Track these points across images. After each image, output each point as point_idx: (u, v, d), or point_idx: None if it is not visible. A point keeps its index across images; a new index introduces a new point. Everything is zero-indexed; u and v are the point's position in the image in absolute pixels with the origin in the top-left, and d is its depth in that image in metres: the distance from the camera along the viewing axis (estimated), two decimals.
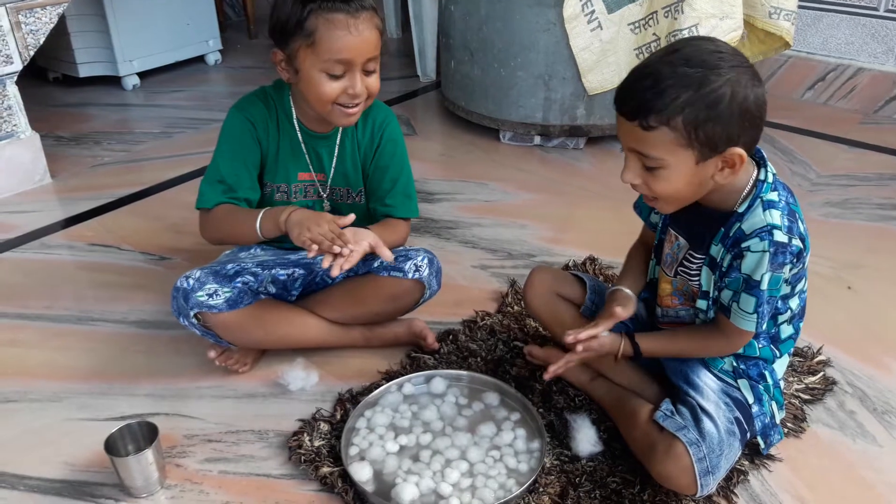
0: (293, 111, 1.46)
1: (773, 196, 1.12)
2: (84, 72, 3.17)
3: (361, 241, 1.35)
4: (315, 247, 1.29)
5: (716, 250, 1.17)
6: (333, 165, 1.51)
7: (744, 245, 1.10)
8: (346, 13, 1.28)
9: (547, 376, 1.33)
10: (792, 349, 1.32)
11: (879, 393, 1.49)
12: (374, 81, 1.36)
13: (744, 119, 1.04)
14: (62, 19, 2.92)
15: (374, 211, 1.57)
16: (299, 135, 1.47)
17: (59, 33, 2.97)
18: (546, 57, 2.45)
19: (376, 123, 1.51)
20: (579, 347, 1.24)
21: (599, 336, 1.25)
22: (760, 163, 1.16)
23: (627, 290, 1.33)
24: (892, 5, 2.77)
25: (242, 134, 1.45)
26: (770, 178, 1.14)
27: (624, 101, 1.07)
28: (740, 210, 1.13)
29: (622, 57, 2.42)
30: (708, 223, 1.18)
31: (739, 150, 1.06)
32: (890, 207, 2.21)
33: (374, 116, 1.51)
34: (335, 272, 1.29)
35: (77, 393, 1.50)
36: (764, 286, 1.10)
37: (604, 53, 2.41)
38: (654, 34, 2.36)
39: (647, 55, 2.40)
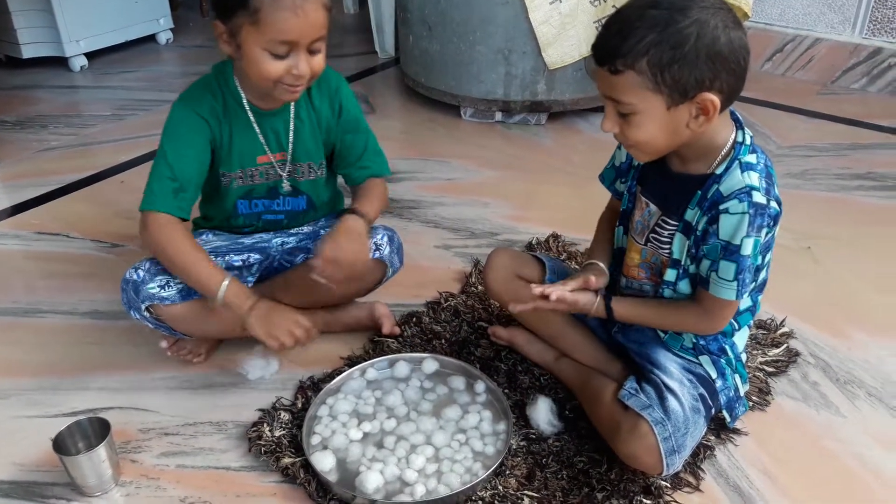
0: (241, 93, 1.37)
1: (752, 158, 1.10)
2: (28, 52, 3.05)
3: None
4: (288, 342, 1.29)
5: (691, 214, 1.14)
6: (291, 141, 1.44)
7: (721, 207, 1.08)
8: None
9: (516, 309, 1.26)
10: (751, 321, 1.30)
11: (841, 363, 1.50)
12: (319, 60, 1.29)
13: (713, 62, 1.00)
14: None
15: (350, 176, 1.52)
16: (251, 116, 1.39)
17: (0, 12, 2.85)
18: (505, 31, 2.41)
19: (331, 90, 1.44)
20: (553, 297, 1.19)
21: (574, 292, 1.21)
22: (738, 125, 1.13)
23: (602, 265, 1.30)
24: None
25: (191, 130, 1.35)
26: (748, 141, 1.12)
27: (596, 47, 1.06)
28: (718, 171, 1.10)
29: (581, 30, 2.39)
30: (682, 187, 1.15)
31: (711, 96, 1.02)
32: (848, 177, 2.23)
33: (327, 83, 1.44)
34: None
35: (25, 389, 1.44)
36: (745, 251, 1.07)
37: (563, 27, 2.38)
38: (613, 6, 2.33)
39: None
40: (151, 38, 3.45)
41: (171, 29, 3.48)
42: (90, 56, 3.18)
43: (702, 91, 1.02)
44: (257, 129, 1.40)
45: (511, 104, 2.54)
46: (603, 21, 2.34)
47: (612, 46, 1.02)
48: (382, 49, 3.27)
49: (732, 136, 1.12)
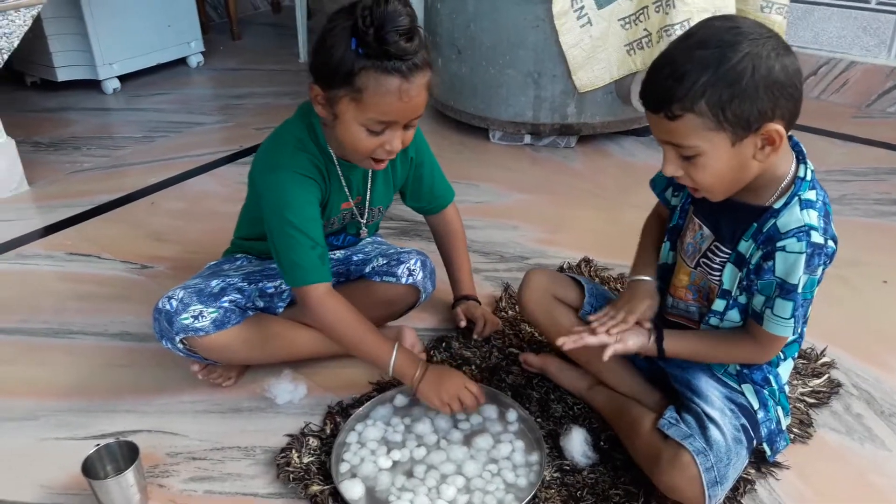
0: (330, 149, 1.34)
1: (811, 195, 1.07)
2: (63, 76, 3.09)
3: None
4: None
5: (745, 246, 1.12)
6: (370, 188, 1.43)
7: (779, 244, 1.05)
8: (401, 76, 1.14)
9: (565, 347, 1.20)
10: (796, 353, 1.27)
11: (886, 395, 1.45)
12: (411, 134, 1.26)
13: (772, 91, 0.98)
14: (38, 22, 2.85)
15: (423, 209, 1.57)
16: (338, 169, 1.36)
17: (36, 36, 2.90)
18: (535, 54, 2.40)
19: None
20: (607, 355, 1.17)
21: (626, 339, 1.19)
22: (800, 158, 1.10)
23: (651, 282, 1.26)
24: None
25: (306, 193, 1.30)
26: (809, 176, 1.09)
27: (647, 95, 1.04)
28: (777, 206, 1.08)
29: (612, 53, 2.37)
30: (738, 216, 1.12)
31: (776, 126, 1.00)
32: (887, 203, 2.18)
33: None
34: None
35: (55, 411, 1.44)
36: (800, 289, 1.06)
37: (594, 50, 2.36)
38: (644, 30, 2.32)
39: (637, 52, 2.37)
40: (183, 62, 3.49)
41: (202, 52, 3.52)
42: (123, 79, 3.22)
43: (764, 122, 0.99)
44: (343, 181, 1.37)
45: (540, 127, 2.53)
46: (634, 45, 2.34)
47: (665, 92, 0.99)
48: None
49: (793, 169, 1.09)
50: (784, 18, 2.38)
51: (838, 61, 2.90)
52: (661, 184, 1.31)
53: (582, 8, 2.31)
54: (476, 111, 2.60)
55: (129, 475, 1.18)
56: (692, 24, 2.18)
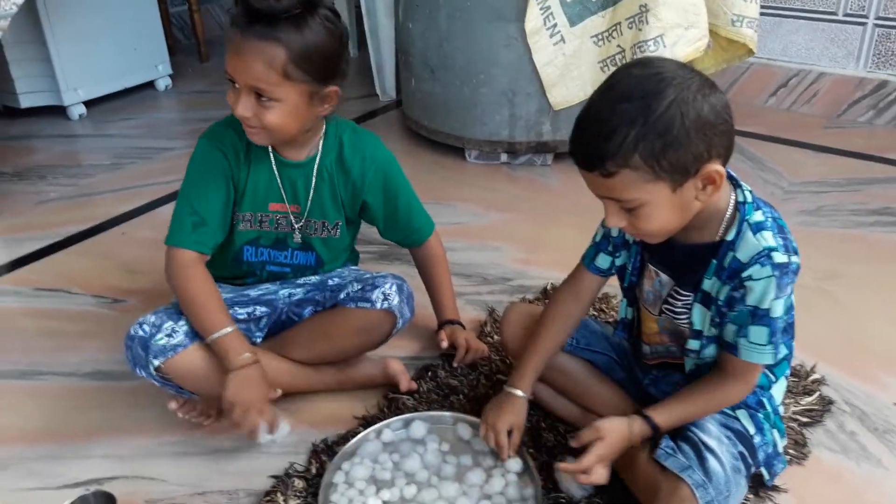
0: None
1: (759, 216, 1.06)
2: (26, 102, 3.02)
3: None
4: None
5: (709, 284, 1.10)
6: (310, 197, 1.41)
7: (744, 275, 1.04)
8: (238, 31, 1.21)
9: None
10: (788, 371, 1.25)
11: (878, 410, 1.44)
12: (269, 114, 1.24)
13: (704, 133, 0.96)
14: None
15: (403, 241, 1.58)
16: (272, 161, 1.36)
17: None
18: (509, 73, 2.39)
19: (366, 156, 1.42)
20: (584, 478, 1.14)
21: (602, 432, 1.13)
22: (734, 183, 1.09)
23: (524, 397, 1.25)
24: (851, 9, 2.77)
25: (210, 165, 1.34)
26: (749, 198, 1.08)
27: (577, 155, 1.01)
28: (729, 238, 1.06)
29: (586, 71, 2.37)
30: (694, 257, 1.11)
31: (715, 166, 0.98)
32: (864, 213, 2.19)
33: (363, 147, 1.43)
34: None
35: (24, 458, 1.37)
36: (775, 314, 1.04)
37: (567, 67, 2.35)
38: (618, 46, 2.31)
39: (612, 68, 2.36)
40: (150, 85, 3.43)
41: (169, 75, 3.46)
42: (89, 104, 3.15)
43: (702, 164, 0.98)
44: (277, 176, 1.36)
45: (516, 145, 2.51)
46: (608, 61, 2.34)
47: (596, 150, 0.97)
48: (383, 92, 3.26)
49: (733, 197, 1.08)
50: (755, 32, 2.39)
51: (807, 73, 2.93)
52: (590, 253, 1.29)
53: (555, 26, 2.30)
54: (451, 131, 2.58)
55: None
56: (665, 39, 2.20)
